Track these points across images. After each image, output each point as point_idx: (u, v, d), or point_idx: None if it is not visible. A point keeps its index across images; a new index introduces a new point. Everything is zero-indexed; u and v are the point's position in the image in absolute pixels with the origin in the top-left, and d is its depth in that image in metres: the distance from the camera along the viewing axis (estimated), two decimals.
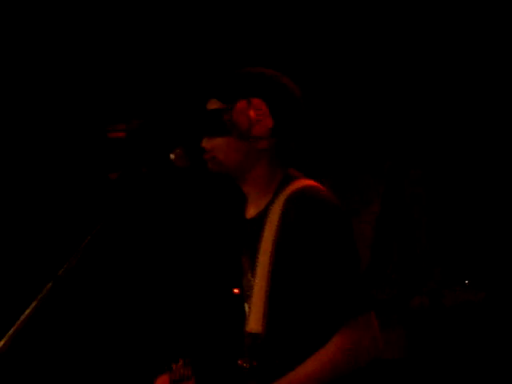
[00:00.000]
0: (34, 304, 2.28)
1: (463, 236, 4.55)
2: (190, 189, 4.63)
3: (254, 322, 2.32)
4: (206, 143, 2.37)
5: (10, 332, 2.25)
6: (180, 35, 4.74)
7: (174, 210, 4.84)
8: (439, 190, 4.40)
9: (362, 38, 4.62)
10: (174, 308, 4.77)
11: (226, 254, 4.50)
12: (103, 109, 4.80)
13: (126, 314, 4.77)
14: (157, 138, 4.61)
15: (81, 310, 4.67)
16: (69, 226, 4.51)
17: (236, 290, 2.56)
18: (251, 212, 2.39)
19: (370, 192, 4.21)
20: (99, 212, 2.39)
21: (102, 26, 4.74)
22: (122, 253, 4.78)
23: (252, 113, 2.31)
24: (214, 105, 2.36)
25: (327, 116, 4.27)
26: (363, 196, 4.19)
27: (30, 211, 4.71)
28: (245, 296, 2.43)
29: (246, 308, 2.42)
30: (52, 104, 4.78)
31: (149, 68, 4.80)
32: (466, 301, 3.74)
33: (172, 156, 2.42)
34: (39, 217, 4.71)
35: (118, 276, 4.79)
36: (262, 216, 2.32)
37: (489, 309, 4.21)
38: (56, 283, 2.21)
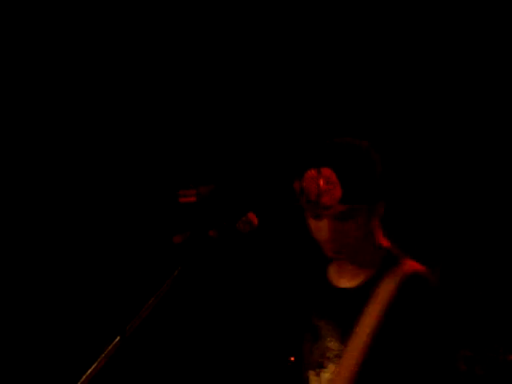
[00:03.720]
0: (100, 359, 2.31)
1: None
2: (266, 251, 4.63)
3: None
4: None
5: None
6: (246, 107, 4.82)
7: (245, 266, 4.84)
8: None
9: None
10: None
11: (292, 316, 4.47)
12: (175, 174, 4.89)
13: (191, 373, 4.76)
14: (226, 203, 4.67)
15: (146, 367, 4.68)
16: (136, 283, 4.57)
17: (292, 358, 2.56)
18: (345, 281, 2.45)
19: None
20: (167, 272, 2.44)
21: (173, 88, 4.86)
22: (189, 312, 4.80)
23: (322, 182, 2.35)
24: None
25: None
26: None
27: (98, 269, 4.79)
28: (311, 362, 2.44)
29: (311, 375, 2.43)
30: (125, 166, 4.89)
31: (221, 135, 4.88)
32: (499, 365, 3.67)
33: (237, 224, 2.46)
34: (107, 274, 4.79)
35: (182, 336, 4.81)
36: (364, 289, 2.38)
37: None
38: (123, 339, 2.25)
